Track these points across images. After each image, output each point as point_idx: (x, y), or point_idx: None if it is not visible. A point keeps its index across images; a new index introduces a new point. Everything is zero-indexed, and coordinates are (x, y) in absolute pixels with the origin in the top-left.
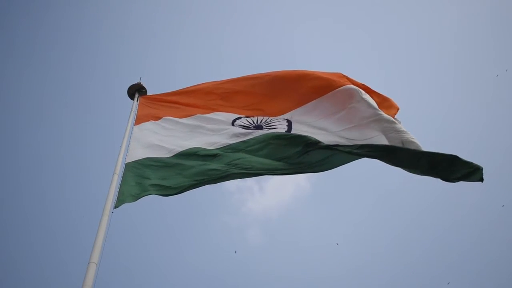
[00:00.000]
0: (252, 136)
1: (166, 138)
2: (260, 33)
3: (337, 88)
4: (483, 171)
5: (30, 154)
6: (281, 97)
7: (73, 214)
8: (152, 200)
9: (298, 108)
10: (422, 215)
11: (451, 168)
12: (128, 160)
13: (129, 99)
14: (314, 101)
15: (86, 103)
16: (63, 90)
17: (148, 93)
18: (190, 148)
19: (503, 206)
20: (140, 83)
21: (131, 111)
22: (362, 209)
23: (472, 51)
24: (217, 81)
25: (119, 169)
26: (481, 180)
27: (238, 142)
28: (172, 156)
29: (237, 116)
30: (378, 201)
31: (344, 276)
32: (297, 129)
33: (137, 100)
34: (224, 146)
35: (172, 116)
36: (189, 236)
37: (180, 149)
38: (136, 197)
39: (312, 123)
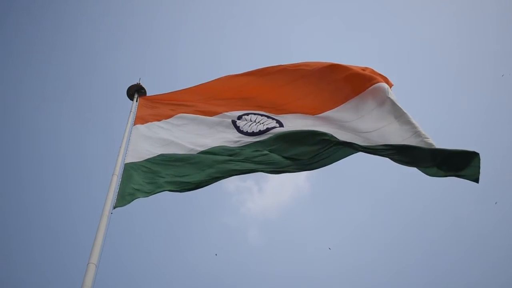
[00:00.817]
0: (269, 136)
1: (182, 135)
2: (262, 33)
3: (367, 89)
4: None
5: (31, 155)
6: (312, 97)
7: (73, 214)
8: (152, 201)
9: (331, 110)
10: (423, 215)
11: (466, 164)
12: (137, 159)
13: (128, 100)
14: (345, 103)
15: (86, 103)
16: (64, 91)
17: (148, 94)
18: (212, 148)
19: (496, 203)
20: (139, 83)
21: (131, 111)
22: (362, 209)
23: (478, 49)
24: (232, 75)
25: (118, 170)
26: (477, 180)
27: (257, 141)
28: (191, 153)
29: (243, 112)
30: (378, 201)
31: (344, 275)
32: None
33: (137, 101)
34: (243, 146)
35: (187, 113)
36: (188, 237)
37: (199, 148)
38: (149, 193)
39: (342, 124)
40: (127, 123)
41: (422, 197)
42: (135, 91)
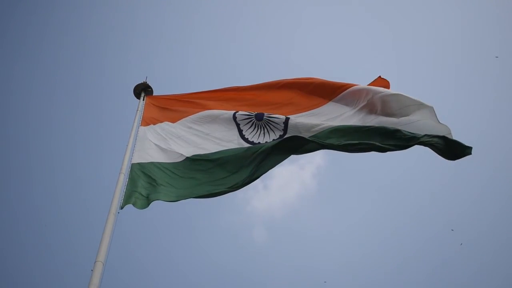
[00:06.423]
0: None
1: (191, 137)
2: (272, 33)
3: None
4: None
5: (41, 153)
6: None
7: (81, 212)
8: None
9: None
10: (428, 210)
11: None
12: (144, 160)
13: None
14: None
15: (94, 102)
16: (72, 90)
17: (154, 93)
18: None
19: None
20: (146, 82)
21: (137, 110)
22: (370, 206)
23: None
24: (235, 86)
25: (125, 168)
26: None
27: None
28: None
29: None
30: (386, 198)
31: (350, 273)
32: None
33: (143, 99)
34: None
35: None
36: (194, 235)
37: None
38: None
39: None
40: (134, 121)
41: (427, 192)
42: (142, 89)
